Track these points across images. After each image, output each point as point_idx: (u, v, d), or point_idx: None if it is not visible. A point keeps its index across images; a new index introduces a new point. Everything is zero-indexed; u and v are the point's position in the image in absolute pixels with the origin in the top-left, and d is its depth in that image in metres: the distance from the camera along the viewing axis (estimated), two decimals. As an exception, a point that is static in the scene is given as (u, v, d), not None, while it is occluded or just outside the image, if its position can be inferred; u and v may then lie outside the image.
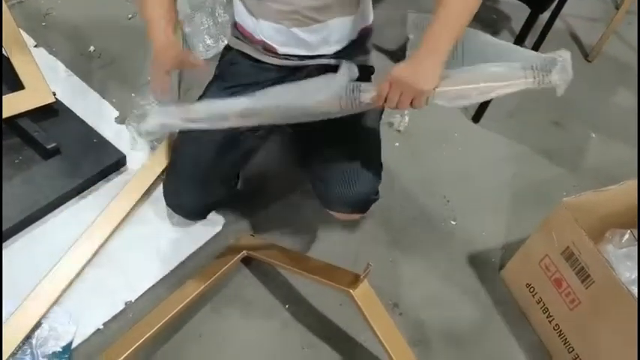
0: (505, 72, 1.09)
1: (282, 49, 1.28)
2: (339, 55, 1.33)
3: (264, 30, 1.25)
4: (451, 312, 1.46)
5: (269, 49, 1.28)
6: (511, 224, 1.67)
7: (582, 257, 1.29)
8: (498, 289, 1.53)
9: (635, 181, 1.42)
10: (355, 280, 1.24)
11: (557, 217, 1.36)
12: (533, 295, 1.45)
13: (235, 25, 1.35)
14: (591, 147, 1.96)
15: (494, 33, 2.27)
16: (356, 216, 1.36)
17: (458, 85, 1.08)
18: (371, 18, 1.35)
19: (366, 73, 1.40)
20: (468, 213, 1.67)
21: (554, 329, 1.40)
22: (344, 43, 1.32)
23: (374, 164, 1.32)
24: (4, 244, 1.33)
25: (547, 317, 1.41)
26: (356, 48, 1.35)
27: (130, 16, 1.93)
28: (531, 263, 1.44)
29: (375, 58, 1.46)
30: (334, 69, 1.29)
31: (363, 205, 1.32)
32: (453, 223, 1.64)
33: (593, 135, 2.00)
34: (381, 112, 1.39)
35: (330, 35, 1.28)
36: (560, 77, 1.10)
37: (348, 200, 1.28)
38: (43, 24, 1.84)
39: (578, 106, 2.07)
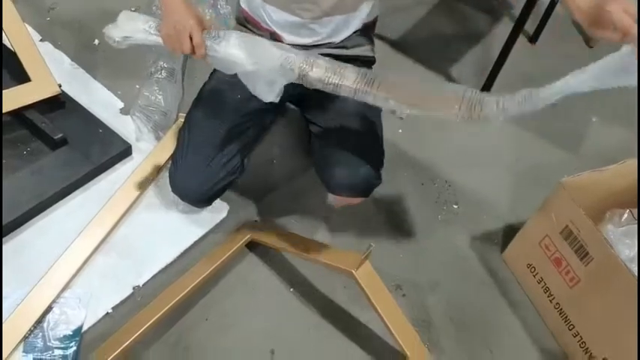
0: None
1: (289, 38, 1.30)
2: (344, 44, 1.35)
3: (275, 18, 1.27)
4: (454, 293, 1.48)
5: (275, 38, 1.31)
6: (513, 207, 1.69)
7: (581, 235, 1.31)
8: (501, 270, 1.55)
9: (635, 161, 1.43)
10: (357, 260, 1.26)
11: (555, 197, 1.38)
12: (534, 276, 1.47)
13: (241, 12, 1.37)
14: (592, 130, 1.97)
15: (495, 20, 2.28)
16: (357, 200, 1.38)
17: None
18: (377, 9, 1.37)
19: (368, 65, 1.42)
20: (469, 197, 1.68)
21: (554, 308, 1.42)
22: (350, 33, 1.34)
23: (376, 149, 1.34)
24: (15, 232, 1.36)
25: (548, 296, 1.43)
26: (361, 38, 1.37)
27: (133, 9, 1.95)
28: (532, 244, 1.45)
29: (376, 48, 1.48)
30: (344, 59, 1.32)
31: (365, 188, 1.34)
32: (455, 206, 1.66)
33: (594, 119, 2.01)
34: None
35: (340, 27, 1.31)
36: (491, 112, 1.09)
37: (350, 183, 1.30)
38: (48, 19, 1.87)
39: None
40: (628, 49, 0.97)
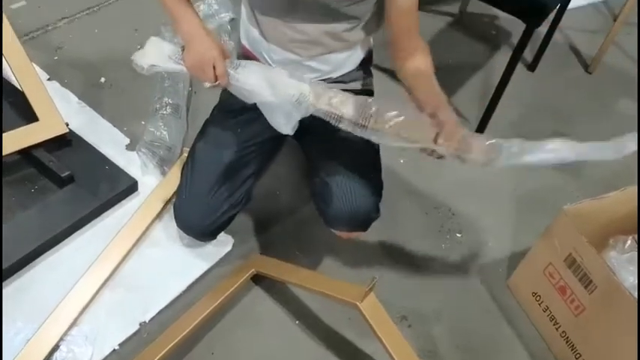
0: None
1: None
2: (342, 78, 1.38)
3: (275, 57, 1.30)
4: (460, 323, 1.48)
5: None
6: (516, 234, 1.69)
7: (584, 263, 1.31)
8: (506, 299, 1.54)
9: (635, 188, 1.44)
10: (362, 293, 1.27)
11: (558, 224, 1.38)
12: (539, 304, 1.47)
13: (242, 48, 1.40)
14: (594, 156, 1.98)
15: (494, 49, 2.32)
16: (356, 233, 1.39)
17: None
18: (372, 43, 1.40)
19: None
20: (473, 225, 1.69)
21: (561, 336, 1.41)
22: (350, 69, 1.37)
23: (374, 183, 1.35)
24: (26, 268, 1.38)
25: (554, 325, 1.43)
26: (359, 72, 1.40)
27: (138, 47, 1.99)
28: (536, 272, 1.46)
29: (375, 78, 1.51)
30: None
31: (363, 223, 1.35)
32: (459, 235, 1.67)
33: (596, 144, 2.02)
34: None
35: (340, 64, 1.34)
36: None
37: (348, 219, 1.31)
38: (55, 58, 1.91)
39: (580, 116, 2.10)
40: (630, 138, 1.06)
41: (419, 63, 1.23)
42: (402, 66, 1.25)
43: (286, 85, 1.14)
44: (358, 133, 1.13)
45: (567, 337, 1.40)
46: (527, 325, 1.50)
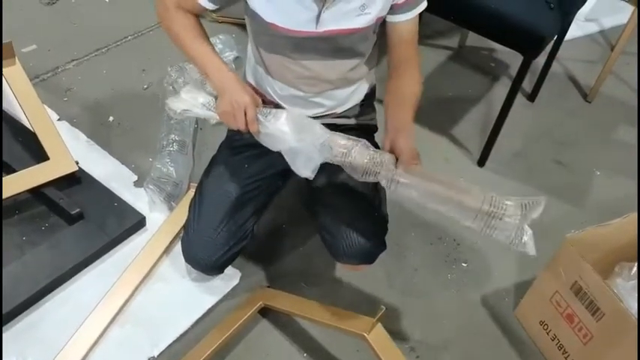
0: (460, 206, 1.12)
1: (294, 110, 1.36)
2: (345, 113, 1.42)
3: (280, 92, 1.34)
4: (468, 353, 1.48)
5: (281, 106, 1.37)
6: (521, 263, 1.70)
7: (590, 290, 1.32)
8: (514, 328, 1.54)
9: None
10: (369, 324, 1.28)
11: (562, 252, 1.39)
12: (547, 333, 1.47)
13: (248, 85, 1.44)
14: (596, 184, 2.00)
15: (494, 80, 2.36)
16: (363, 266, 1.40)
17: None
18: (374, 78, 1.44)
19: (370, 132, 1.48)
20: (478, 255, 1.70)
21: (570, 365, 1.41)
22: (353, 104, 1.41)
23: (379, 216, 1.36)
24: (35, 306, 1.39)
25: (562, 353, 1.42)
26: (363, 107, 1.44)
27: (145, 86, 2.05)
28: (543, 300, 1.46)
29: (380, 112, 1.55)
30: (346, 128, 1.39)
31: (369, 257, 1.36)
32: (465, 265, 1.68)
33: (598, 172, 2.04)
34: None
35: (344, 100, 1.38)
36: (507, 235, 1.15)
37: (354, 253, 1.32)
38: (65, 99, 1.96)
39: (581, 145, 2.13)
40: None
41: (402, 84, 1.27)
42: (387, 85, 1.30)
43: (314, 131, 1.18)
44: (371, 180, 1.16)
45: (576, 366, 1.39)
46: (536, 354, 1.49)
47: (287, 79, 1.30)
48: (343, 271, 1.58)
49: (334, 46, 1.23)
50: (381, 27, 1.29)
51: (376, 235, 1.33)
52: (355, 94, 1.38)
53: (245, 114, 1.18)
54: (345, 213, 1.33)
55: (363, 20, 1.20)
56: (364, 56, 1.31)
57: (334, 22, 1.19)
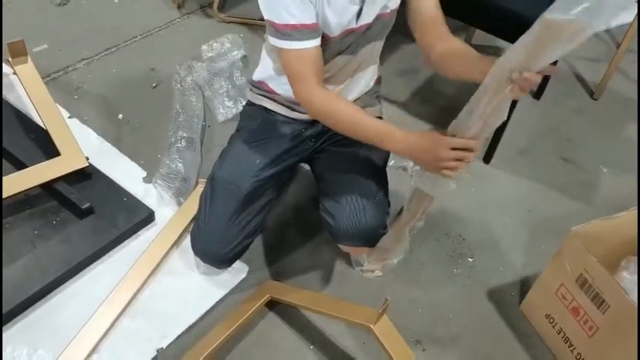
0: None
1: None
2: (356, 103, 1.43)
3: (287, 86, 1.33)
4: (474, 347, 1.49)
5: (291, 102, 1.39)
6: (528, 259, 1.70)
7: (596, 283, 1.32)
8: (520, 322, 1.55)
9: (644, 208, 1.46)
10: (375, 315, 1.29)
11: (568, 245, 1.40)
12: (553, 326, 1.47)
13: (254, 82, 1.46)
14: (603, 181, 2.00)
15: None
16: (365, 249, 1.42)
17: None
18: (377, 71, 1.46)
19: None
20: (484, 250, 1.71)
21: (576, 358, 1.41)
22: (362, 92, 1.43)
23: (381, 199, 1.38)
24: (45, 298, 1.42)
25: (569, 347, 1.43)
26: (369, 98, 1.46)
27: (154, 84, 2.08)
28: (548, 294, 1.47)
29: (384, 109, 1.56)
30: None
31: (369, 239, 1.37)
32: (471, 260, 1.68)
33: (605, 169, 2.04)
34: (388, 153, 1.47)
35: (354, 86, 1.40)
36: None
37: (355, 234, 1.34)
38: (76, 97, 1.99)
39: (587, 142, 2.13)
40: None
41: (452, 44, 1.26)
42: (431, 50, 1.27)
43: None
44: None
45: (582, 359, 1.40)
46: (542, 347, 1.50)
47: None
48: (349, 265, 1.59)
49: (368, 33, 1.27)
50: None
51: (378, 217, 1.35)
52: (366, 79, 1.40)
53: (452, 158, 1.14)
54: (346, 195, 1.34)
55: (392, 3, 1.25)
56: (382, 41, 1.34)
57: (369, 15, 1.23)
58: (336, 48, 1.27)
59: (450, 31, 1.30)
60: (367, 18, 1.24)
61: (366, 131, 1.20)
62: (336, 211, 1.35)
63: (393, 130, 1.19)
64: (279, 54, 1.21)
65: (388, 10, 1.27)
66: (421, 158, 1.18)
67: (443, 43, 1.26)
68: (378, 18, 1.26)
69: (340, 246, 1.41)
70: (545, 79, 2.25)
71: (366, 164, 1.39)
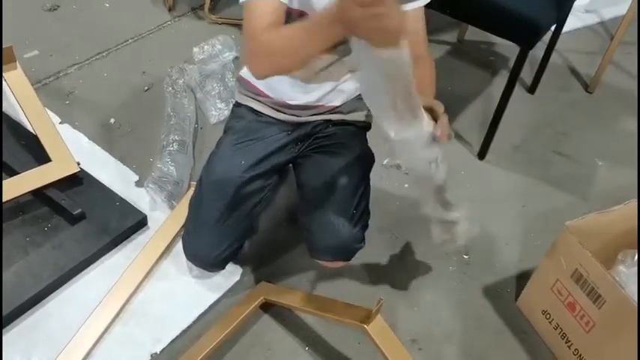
0: None
1: (293, 102, 1.38)
2: (340, 109, 1.42)
3: (279, 85, 1.35)
4: (471, 344, 1.48)
5: (277, 103, 1.38)
6: (523, 254, 1.70)
7: (591, 278, 1.31)
8: (516, 319, 1.54)
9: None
10: (369, 316, 1.28)
11: (562, 240, 1.39)
12: (550, 322, 1.46)
13: (242, 81, 1.45)
14: (599, 174, 1.99)
15: (493, 73, 2.36)
16: (340, 263, 1.41)
17: None
18: None
19: (363, 130, 1.49)
20: (479, 246, 1.70)
21: (573, 354, 1.40)
22: (347, 98, 1.42)
23: (359, 214, 1.35)
24: (38, 305, 1.41)
25: (566, 342, 1.42)
26: (357, 102, 1.45)
27: (146, 88, 2.07)
28: (544, 290, 1.46)
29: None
30: (339, 123, 1.39)
31: (345, 254, 1.37)
32: (466, 257, 1.68)
33: (600, 163, 2.03)
34: (372, 159, 1.46)
35: (342, 87, 1.39)
36: None
37: (330, 250, 1.34)
38: (67, 102, 1.98)
39: (582, 136, 2.12)
40: None
41: (422, 72, 1.24)
42: None
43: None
44: None
45: (580, 355, 1.39)
46: (539, 344, 1.49)
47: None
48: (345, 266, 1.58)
49: None
50: None
51: (353, 232, 1.33)
52: (348, 87, 1.39)
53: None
54: (323, 209, 1.33)
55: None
56: None
57: None
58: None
59: (428, 50, 1.30)
60: None
61: (296, 40, 1.03)
62: (312, 226, 1.34)
63: (310, 18, 1.10)
64: (243, 13, 1.11)
65: None
66: (344, 23, 0.90)
67: (416, 69, 1.13)
68: None
69: (317, 261, 1.40)
70: (540, 73, 2.24)
71: (348, 175, 1.36)
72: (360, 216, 1.36)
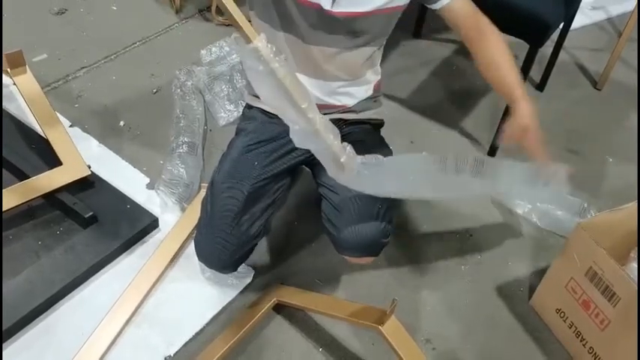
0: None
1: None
2: (353, 108, 1.42)
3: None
4: (485, 344, 1.47)
5: None
6: (536, 253, 1.69)
7: (605, 275, 1.31)
8: (530, 318, 1.53)
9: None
10: (383, 316, 1.28)
11: (576, 238, 1.38)
12: (564, 320, 1.46)
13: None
14: (610, 171, 1.98)
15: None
16: (368, 259, 1.39)
17: None
18: (379, 73, 1.44)
19: (377, 127, 1.48)
20: (492, 245, 1.69)
21: (588, 352, 1.39)
22: (362, 98, 1.41)
23: (385, 209, 1.34)
24: (51, 309, 1.41)
25: (580, 341, 1.41)
26: (369, 101, 1.44)
27: (154, 90, 2.07)
28: (558, 288, 1.45)
29: (385, 107, 1.55)
30: (354, 123, 1.38)
31: (372, 249, 1.35)
32: (479, 256, 1.67)
33: (610, 159, 2.02)
34: (392, 155, 1.45)
35: (355, 93, 1.39)
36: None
37: (358, 245, 1.32)
38: (76, 105, 1.98)
39: (592, 133, 2.11)
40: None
41: (493, 51, 1.34)
42: (476, 52, 1.34)
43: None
44: None
45: (595, 353, 1.38)
46: (554, 342, 1.48)
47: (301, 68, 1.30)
48: (356, 266, 1.57)
49: (349, 30, 1.23)
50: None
51: (380, 228, 1.31)
52: (363, 87, 1.38)
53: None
54: (349, 205, 1.32)
55: (379, 2, 1.21)
56: (378, 45, 1.31)
57: (350, 4, 1.19)
58: (318, 33, 1.24)
59: (491, 26, 1.35)
60: (349, 6, 1.20)
61: None
62: (338, 221, 1.32)
63: None
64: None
65: (373, 9, 1.22)
66: None
67: (486, 50, 1.33)
68: (370, 15, 1.23)
69: (343, 256, 1.39)
70: (548, 71, 2.23)
71: None
72: (386, 211, 1.34)
